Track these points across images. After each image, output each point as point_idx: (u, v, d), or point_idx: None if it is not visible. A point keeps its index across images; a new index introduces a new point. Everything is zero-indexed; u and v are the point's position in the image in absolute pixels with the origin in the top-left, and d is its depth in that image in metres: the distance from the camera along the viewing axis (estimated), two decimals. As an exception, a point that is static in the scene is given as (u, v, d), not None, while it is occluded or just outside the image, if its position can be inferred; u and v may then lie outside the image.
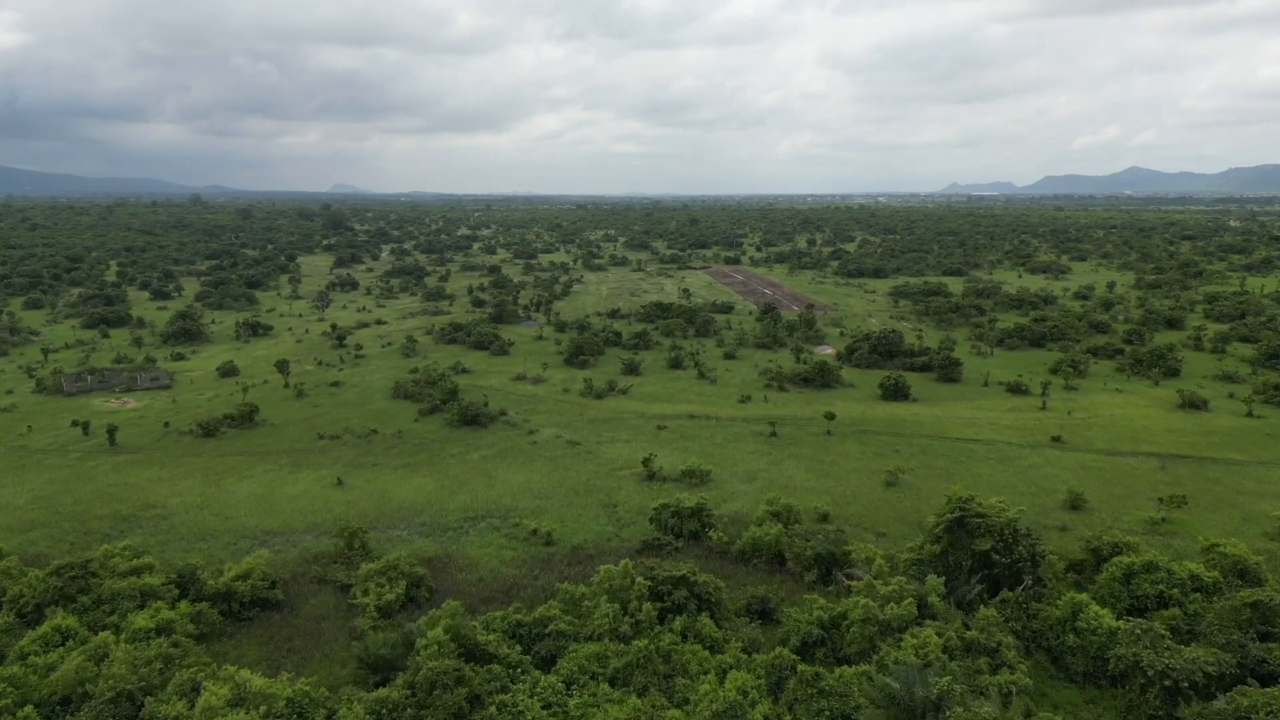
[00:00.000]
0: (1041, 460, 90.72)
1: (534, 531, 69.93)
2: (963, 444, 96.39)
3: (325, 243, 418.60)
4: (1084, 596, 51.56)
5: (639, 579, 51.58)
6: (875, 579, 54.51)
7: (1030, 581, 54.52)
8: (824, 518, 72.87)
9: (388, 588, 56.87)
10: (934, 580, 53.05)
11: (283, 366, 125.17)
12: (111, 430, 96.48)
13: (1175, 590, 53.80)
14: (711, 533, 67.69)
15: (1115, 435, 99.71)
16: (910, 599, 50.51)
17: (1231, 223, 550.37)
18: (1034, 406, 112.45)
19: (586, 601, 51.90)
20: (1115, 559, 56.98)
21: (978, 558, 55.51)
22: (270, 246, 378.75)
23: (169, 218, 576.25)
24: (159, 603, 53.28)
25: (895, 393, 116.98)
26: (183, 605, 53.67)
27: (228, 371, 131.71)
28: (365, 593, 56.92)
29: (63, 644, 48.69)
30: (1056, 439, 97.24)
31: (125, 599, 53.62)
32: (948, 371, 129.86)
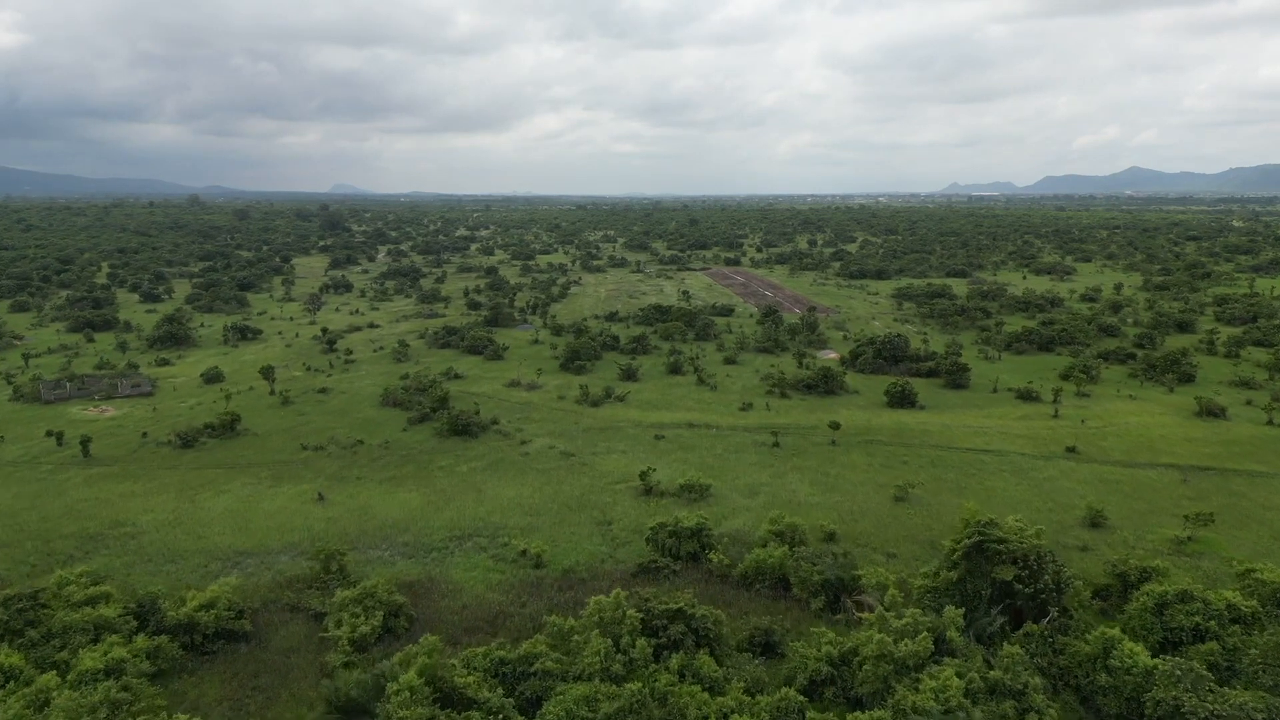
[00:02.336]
0: (1057, 472, 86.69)
1: (523, 552, 65.89)
2: (973, 455, 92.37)
3: (321, 244, 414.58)
4: (1116, 631, 47.47)
5: (630, 612, 47.49)
6: (887, 610, 50.48)
7: (1056, 613, 50.45)
8: (830, 537, 68.94)
9: (363, 618, 52.83)
10: (952, 612, 48.98)
11: (267, 373, 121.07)
12: (85, 441, 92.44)
13: (1212, 622, 49.79)
14: (712, 554, 63.63)
15: (1132, 445, 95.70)
16: (926, 633, 46.52)
17: (1235, 223, 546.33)
18: (1046, 414, 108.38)
19: (576, 636, 47.85)
20: (1146, 587, 52.96)
21: (998, 586, 51.49)
22: (265, 248, 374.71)
23: (165, 218, 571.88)
24: (114, 637, 49.26)
25: (902, 400, 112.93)
26: (139, 639, 49.59)
27: (212, 378, 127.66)
28: (339, 624, 52.86)
29: (4, 685, 44.64)
30: (1071, 449, 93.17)
31: (77, 633, 49.63)
32: (955, 377, 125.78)
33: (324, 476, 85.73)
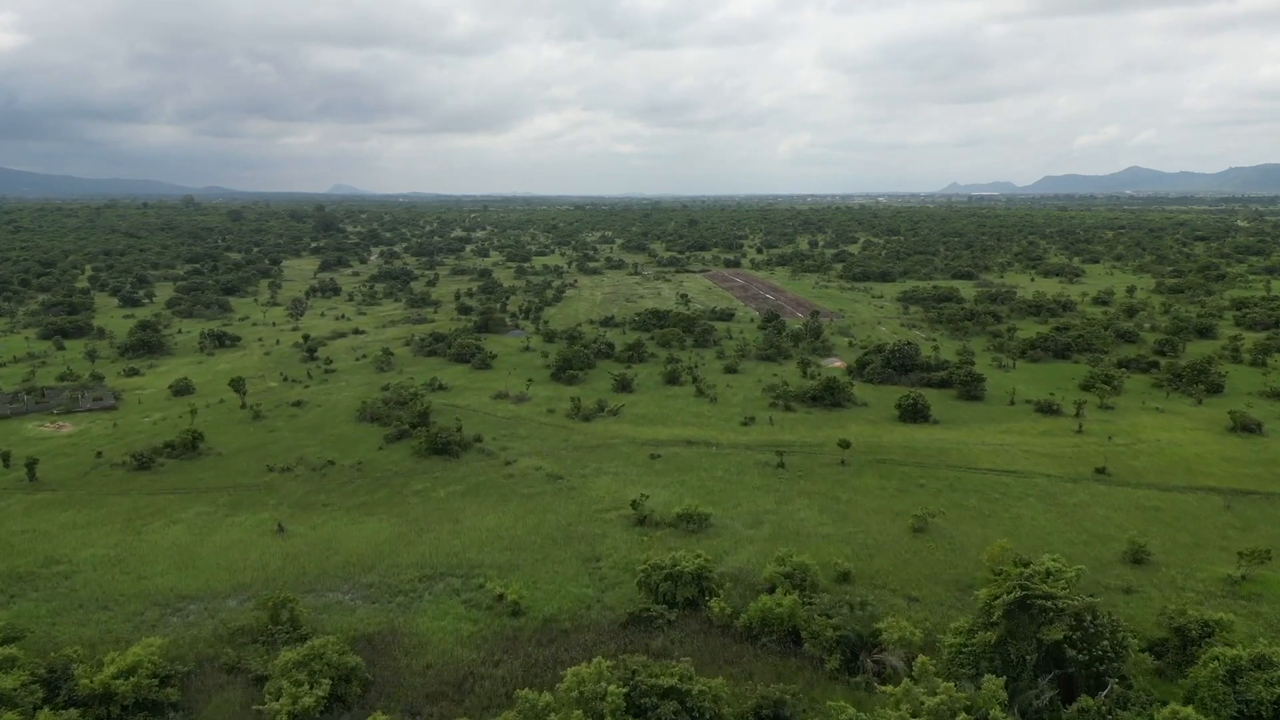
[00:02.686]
0: (1088, 497, 79.50)
1: (500, 598, 58.66)
2: (995, 476, 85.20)
3: (313, 245, 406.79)
4: (1188, 710, 40.18)
5: (613, 688, 40.24)
6: (915, 680, 43.22)
7: (1115, 684, 43.16)
8: (845, 577, 61.78)
9: (307, 687, 45.53)
10: (993, 684, 41.67)
11: (238, 385, 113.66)
12: (31, 464, 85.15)
13: (1296, 694, 42.49)
14: (713, 602, 56.30)
15: (1166, 465, 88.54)
16: (964, 714, 39.27)
17: (1240, 223, 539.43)
18: (1069, 429, 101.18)
19: (552, 715, 40.63)
20: (1213, 649, 45.66)
21: (1046, 650, 44.24)
22: (255, 249, 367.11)
23: (158, 219, 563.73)
24: (11, 714, 42.03)
25: (914, 413, 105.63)
26: (43, 715, 42.38)
27: (181, 390, 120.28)
28: (278, 693, 45.55)
29: None
30: (1101, 470, 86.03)
31: (-32, 709, 42.39)
32: (969, 388, 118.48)
33: (287, 503, 78.48)
